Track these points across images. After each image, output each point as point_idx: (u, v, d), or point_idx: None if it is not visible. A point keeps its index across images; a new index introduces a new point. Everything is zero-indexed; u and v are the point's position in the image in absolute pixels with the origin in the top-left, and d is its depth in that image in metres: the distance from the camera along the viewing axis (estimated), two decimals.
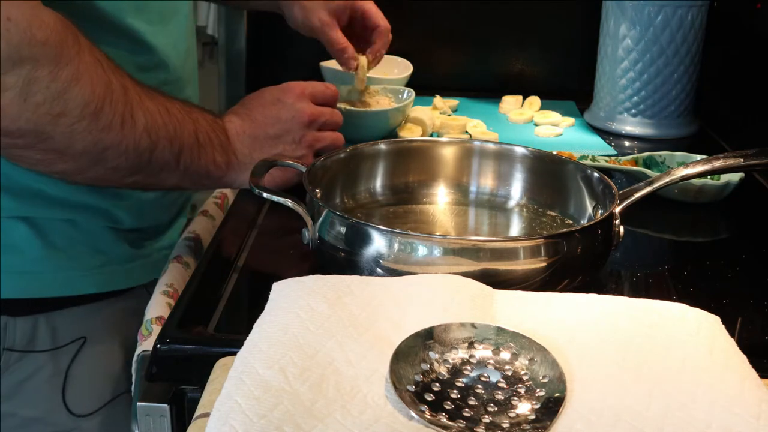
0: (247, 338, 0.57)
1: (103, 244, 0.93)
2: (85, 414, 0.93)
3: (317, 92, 0.94)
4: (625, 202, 0.76)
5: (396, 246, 0.68)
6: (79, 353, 0.92)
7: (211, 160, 0.85)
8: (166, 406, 0.64)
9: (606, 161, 1.02)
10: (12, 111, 0.71)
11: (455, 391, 0.53)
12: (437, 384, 0.53)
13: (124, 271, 0.95)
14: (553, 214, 0.85)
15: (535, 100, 1.31)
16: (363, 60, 1.11)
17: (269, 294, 0.63)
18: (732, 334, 0.60)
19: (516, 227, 0.86)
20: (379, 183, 0.89)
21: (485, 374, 0.55)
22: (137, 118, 0.78)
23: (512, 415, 0.51)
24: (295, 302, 0.60)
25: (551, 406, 0.52)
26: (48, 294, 0.89)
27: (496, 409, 0.52)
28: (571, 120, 1.25)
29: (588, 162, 1.01)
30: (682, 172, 0.78)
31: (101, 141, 0.76)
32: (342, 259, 0.71)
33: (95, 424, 0.93)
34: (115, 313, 0.95)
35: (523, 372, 0.55)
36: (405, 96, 1.16)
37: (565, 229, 0.73)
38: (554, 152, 0.87)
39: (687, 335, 0.58)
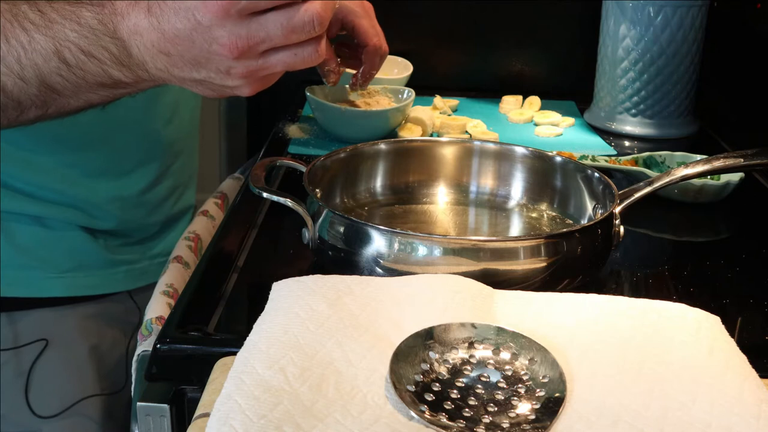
0: (247, 338, 0.57)
1: (76, 247, 0.90)
2: (48, 416, 0.92)
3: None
4: (625, 202, 0.76)
5: (396, 246, 0.68)
6: (41, 355, 0.91)
7: (103, 77, 0.68)
8: (166, 406, 0.64)
9: (606, 161, 1.02)
10: None
11: (455, 391, 0.53)
12: (437, 384, 0.53)
13: (100, 276, 0.93)
14: (554, 214, 0.85)
15: (535, 100, 1.31)
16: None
17: (269, 294, 0.63)
18: (732, 334, 0.60)
19: (516, 227, 0.86)
20: (379, 183, 0.89)
21: (485, 374, 0.55)
22: None
23: (512, 415, 0.51)
24: (295, 302, 0.60)
25: (551, 406, 0.52)
26: (9, 294, 0.88)
27: (496, 409, 0.52)
28: (571, 120, 1.25)
29: (588, 162, 1.01)
30: (682, 172, 0.78)
31: None
32: (342, 259, 0.71)
33: (59, 426, 0.92)
34: (86, 318, 0.93)
35: (523, 372, 0.55)
36: (405, 96, 1.16)
37: (565, 229, 0.73)
38: (554, 152, 0.88)
39: (687, 335, 0.58)
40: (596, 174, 0.81)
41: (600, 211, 0.78)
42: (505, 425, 0.50)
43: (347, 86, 1.19)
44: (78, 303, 0.92)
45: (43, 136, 0.85)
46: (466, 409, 0.52)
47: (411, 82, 1.27)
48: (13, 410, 0.90)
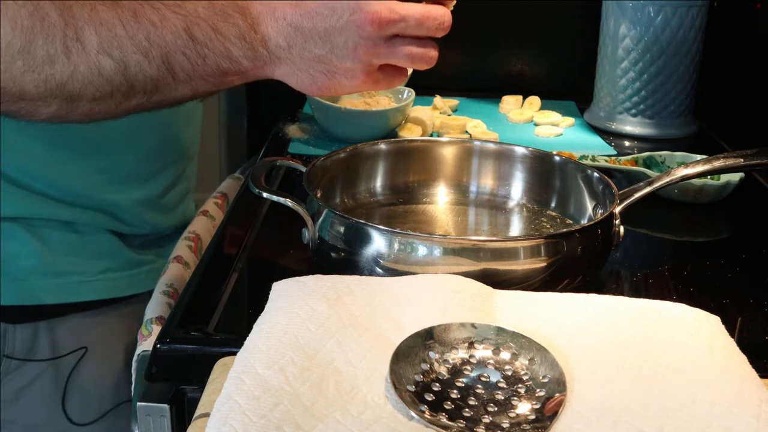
0: (247, 338, 0.57)
1: (105, 250, 0.91)
2: (85, 423, 0.92)
3: None
4: (625, 202, 0.76)
5: (396, 246, 0.68)
6: (80, 362, 0.91)
7: (223, 56, 0.70)
8: (166, 406, 0.64)
9: (606, 161, 1.02)
10: None
11: (455, 391, 0.53)
12: (437, 384, 0.53)
13: (128, 277, 0.94)
14: (553, 214, 0.85)
15: (535, 100, 1.31)
16: None
17: (269, 294, 0.63)
18: (732, 334, 0.60)
19: (516, 227, 0.86)
20: (379, 183, 0.89)
21: (485, 374, 0.55)
22: (86, 40, 0.66)
23: (512, 415, 0.51)
24: (295, 302, 0.60)
25: (551, 406, 0.52)
26: (47, 301, 0.88)
27: (496, 409, 0.52)
28: (571, 120, 1.25)
29: (588, 162, 1.01)
30: (682, 172, 0.78)
31: (51, 77, 0.66)
32: (342, 259, 0.71)
33: None
34: (118, 320, 0.93)
35: (523, 372, 0.55)
36: (405, 96, 1.16)
37: (565, 229, 0.73)
38: (554, 152, 0.87)
39: (687, 335, 0.58)
40: (596, 174, 0.81)
41: (600, 211, 0.78)
42: (505, 425, 0.50)
43: None
44: (110, 306, 0.93)
45: (74, 140, 0.86)
46: (466, 409, 0.52)
47: (411, 82, 1.27)
48: (50, 419, 0.91)
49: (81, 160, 0.89)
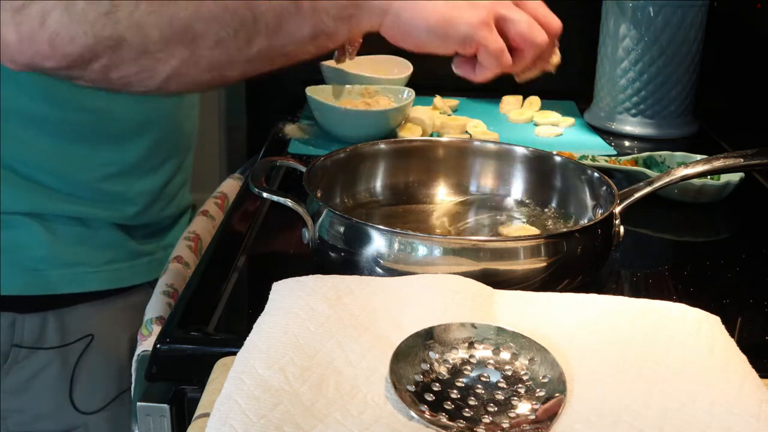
0: (247, 338, 0.57)
1: (110, 242, 0.93)
2: (91, 411, 0.93)
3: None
4: (625, 202, 0.76)
5: (396, 246, 0.68)
6: (86, 350, 0.93)
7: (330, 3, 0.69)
8: (166, 406, 0.64)
9: (606, 161, 1.02)
10: (67, 31, 0.63)
11: (455, 391, 0.53)
12: (437, 384, 0.53)
13: (130, 268, 0.95)
14: (553, 214, 0.85)
15: (535, 100, 1.31)
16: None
17: (269, 294, 0.63)
18: (732, 334, 0.60)
19: (516, 227, 0.86)
20: (379, 183, 0.89)
21: (485, 374, 0.55)
22: None
23: (512, 415, 0.51)
24: (295, 302, 0.60)
25: (551, 406, 0.52)
26: (56, 291, 0.90)
27: (496, 409, 0.52)
28: (571, 120, 1.25)
29: (588, 162, 1.01)
30: (682, 172, 0.78)
31: (175, 16, 0.65)
32: (342, 259, 0.71)
33: (101, 420, 0.94)
34: (121, 310, 0.95)
35: (523, 372, 0.55)
36: (405, 96, 1.16)
37: (565, 229, 0.73)
38: (554, 152, 0.88)
39: (687, 335, 0.58)
40: (596, 174, 0.81)
41: (600, 211, 0.78)
42: (505, 425, 0.50)
43: (346, 86, 1.19)
44: (113, 296, 0.94)
45: (81, 133, 0.88)
46: (466, 409, 0.52)
47: (411, 82, 1.27)
48: (57, 408, 0.92)
49: (88, 152, 0.90)
